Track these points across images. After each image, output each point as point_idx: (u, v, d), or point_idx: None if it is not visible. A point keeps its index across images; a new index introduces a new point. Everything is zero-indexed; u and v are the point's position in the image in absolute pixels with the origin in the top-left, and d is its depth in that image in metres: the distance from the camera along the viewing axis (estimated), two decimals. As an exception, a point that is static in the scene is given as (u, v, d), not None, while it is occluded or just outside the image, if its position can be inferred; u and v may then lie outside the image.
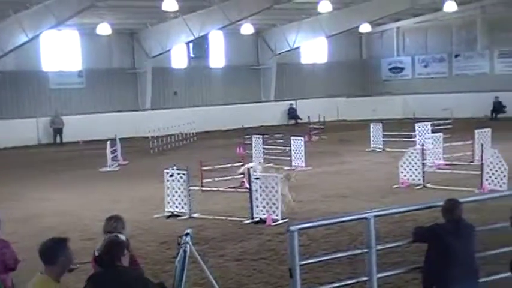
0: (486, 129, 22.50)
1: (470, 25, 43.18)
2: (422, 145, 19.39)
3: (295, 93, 43.17)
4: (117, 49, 39.48)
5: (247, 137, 25.69)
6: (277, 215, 13.97)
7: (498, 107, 38.31)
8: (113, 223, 7.47)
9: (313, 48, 46.35)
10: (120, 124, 33.27)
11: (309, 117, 35.55)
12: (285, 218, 13.80)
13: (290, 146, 22.84)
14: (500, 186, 15.88)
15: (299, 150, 22.50)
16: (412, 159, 17.80)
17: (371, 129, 26.82)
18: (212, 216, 14.75)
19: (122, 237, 6.84)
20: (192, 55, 41.65)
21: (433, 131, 24.26)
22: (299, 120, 41.06)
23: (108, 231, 7.25)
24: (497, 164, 16.19)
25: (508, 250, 6.90)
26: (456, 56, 43.96)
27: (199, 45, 40.90)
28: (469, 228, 6.72)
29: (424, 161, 18.12)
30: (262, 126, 35.98)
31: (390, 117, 37.98)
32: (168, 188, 15.47)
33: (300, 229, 6.26)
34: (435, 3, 39.15)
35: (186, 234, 7.95)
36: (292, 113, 42.39)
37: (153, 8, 32.38)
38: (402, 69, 46.89)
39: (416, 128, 25.43)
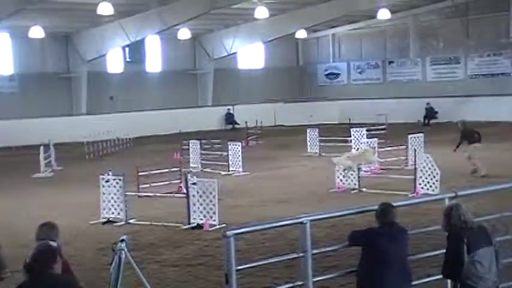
0: (419, 135, 23.03)
1: (403, 33, 44.15)
2: (358, 150, 19.65)
3: (233, 99, 43.24)
4: (51, 53, 38.70)
5: (185, 142, 25.58)
6: (214, 220, 13.95)
7: (430, 113, 39.24)
8: (46, 230, 7.31)
9: (250, 54, 46.55)
10: (54, 129, 32.55)
11: (246, 122, 35.67)
12: (222, 223, 13.78)
13: (227, 151, 22.85)
14: (433, 190, 16.27)
15: (236, 155, 22.53)
16: (348, 164, 18.03)
17: (308, 134, 27.09)
18: (149, 222, 14.62)
19: (54, 244, 6.71)
20: (128, 59, 41.20)
21: (368, 136, 24.67)
22: (236, 126, 41.09)
23: (41, 239, 7.08)
24: (429, 168, 16.58)
25: (439, 253, 7.06)
26: (390, 62, 44.90)
27: (136, 50, 40.47)
28: (402, 232, 6.85)
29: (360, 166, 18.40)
30: (199, 131, 35.87)
31: (327, 122, 38.45)
32: (104, 193, 15.27)
33: (236, 234, 6.25)
34: (369, 10, 39.89)
35: (122, 241, 7.87)
36: (229, 118, 42.42)
37: (88, 11, 31.88)
38: (338, 75, 47.59)
39: (352, 133, 25.81)
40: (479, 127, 34.54)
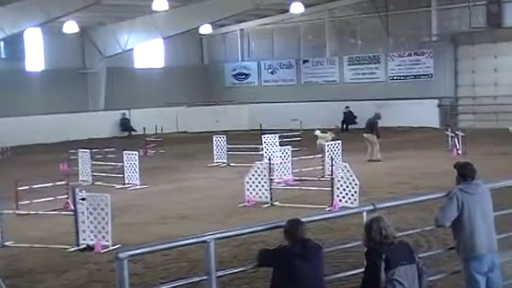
0: (336, 142, 23.46)
1: (318, 29, 45.00)
2: (269, 159, 19.82)
3: (129, 102, 42.78)
4: None
5: (73, 151, 25.12)
6: (107, 241, 13.73)
7: (349, 118, 39.96)
8: None
9: (148, 51, 46.28)
10: None
11: (144, 128, 35.41)
12: (116, 244, 13.58)
13: (123, 162, 22.59)
14: (352, 202, 16.57)
15: (133, 166, 22.28)
16: (259, 175, 18.13)
17: (214, 142, 27.11)
18: (29, 245, 14.24)
19: None
20: (3, 56, 40.08)
21: (281, 144, 24.93)
22: (133, 132, 40.75)
23: None
24: (348, 179, 16.89)
25: (358, 272, 7.18)
26: (304, 62, 45.57)
27: (13, 45, 39.42)
28: (317, 249, 6.91)
29: (272, 177, 18.56)
30: (90, 139, 35.37)
31: (235, 128, 38.67)
32: (-26, 212, 14.77)
33: (130, 256, 6.16)
34: (281, 4, 40.44)
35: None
36: (125, 124, 42.00)
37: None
38: (248, 75, 47.96)
39: (263, 140, 26.01)
40: (402, 133, 35.83)
